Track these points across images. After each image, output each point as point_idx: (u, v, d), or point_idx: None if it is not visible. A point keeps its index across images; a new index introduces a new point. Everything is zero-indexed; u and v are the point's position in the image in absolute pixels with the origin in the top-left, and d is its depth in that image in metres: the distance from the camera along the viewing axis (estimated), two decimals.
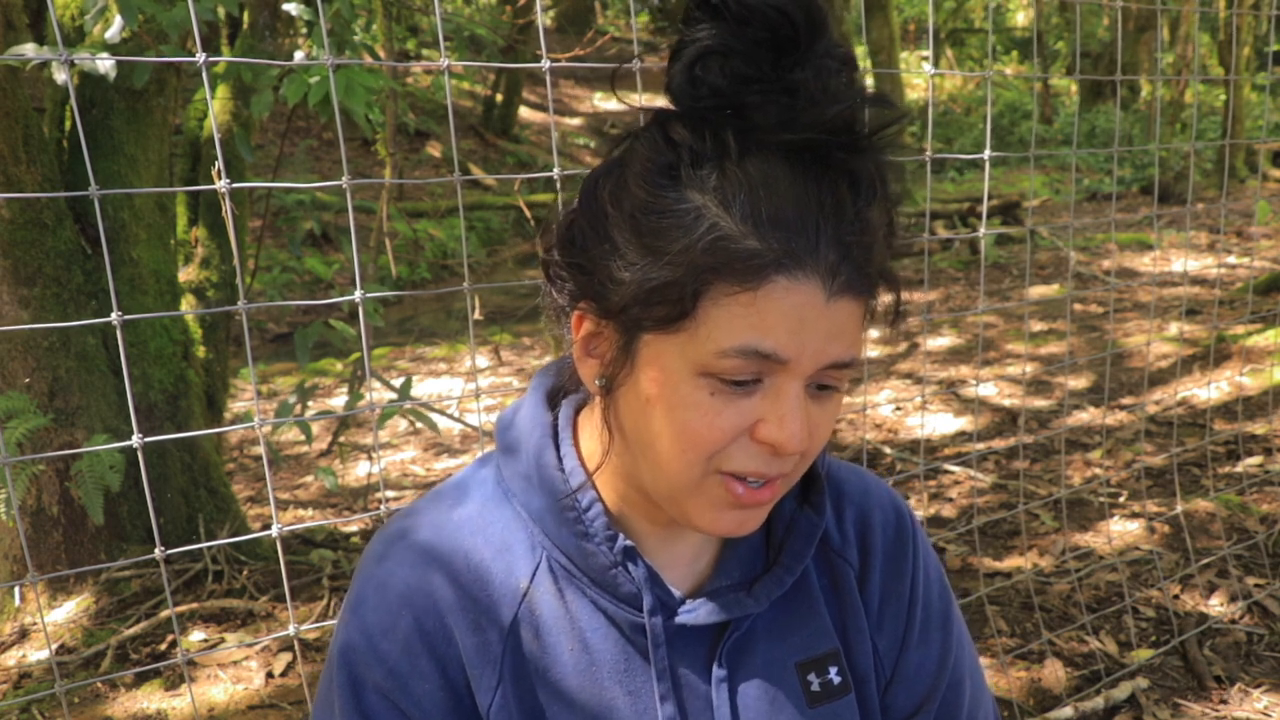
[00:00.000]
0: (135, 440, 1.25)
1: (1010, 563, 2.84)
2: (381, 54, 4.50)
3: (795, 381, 0.66)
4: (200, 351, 2.91)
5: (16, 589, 2.49)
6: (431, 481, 4.08)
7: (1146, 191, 11.38)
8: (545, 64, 1.39)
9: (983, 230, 1.95)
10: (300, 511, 3.76)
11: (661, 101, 0.68)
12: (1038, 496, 3.29)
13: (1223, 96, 13.40)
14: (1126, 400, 4.38)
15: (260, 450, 4.46)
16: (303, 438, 3.92)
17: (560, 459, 0.78)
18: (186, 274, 2.95)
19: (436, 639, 0.75)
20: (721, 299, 0.63)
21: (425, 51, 12.22)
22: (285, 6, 2.59)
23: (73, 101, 1.60)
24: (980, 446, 3.75)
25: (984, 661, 2.29)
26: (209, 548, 2.63)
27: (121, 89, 2.60)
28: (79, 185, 2.52)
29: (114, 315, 1.19)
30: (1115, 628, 2.46)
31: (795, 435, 0.66)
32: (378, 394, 4.27)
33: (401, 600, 0.76)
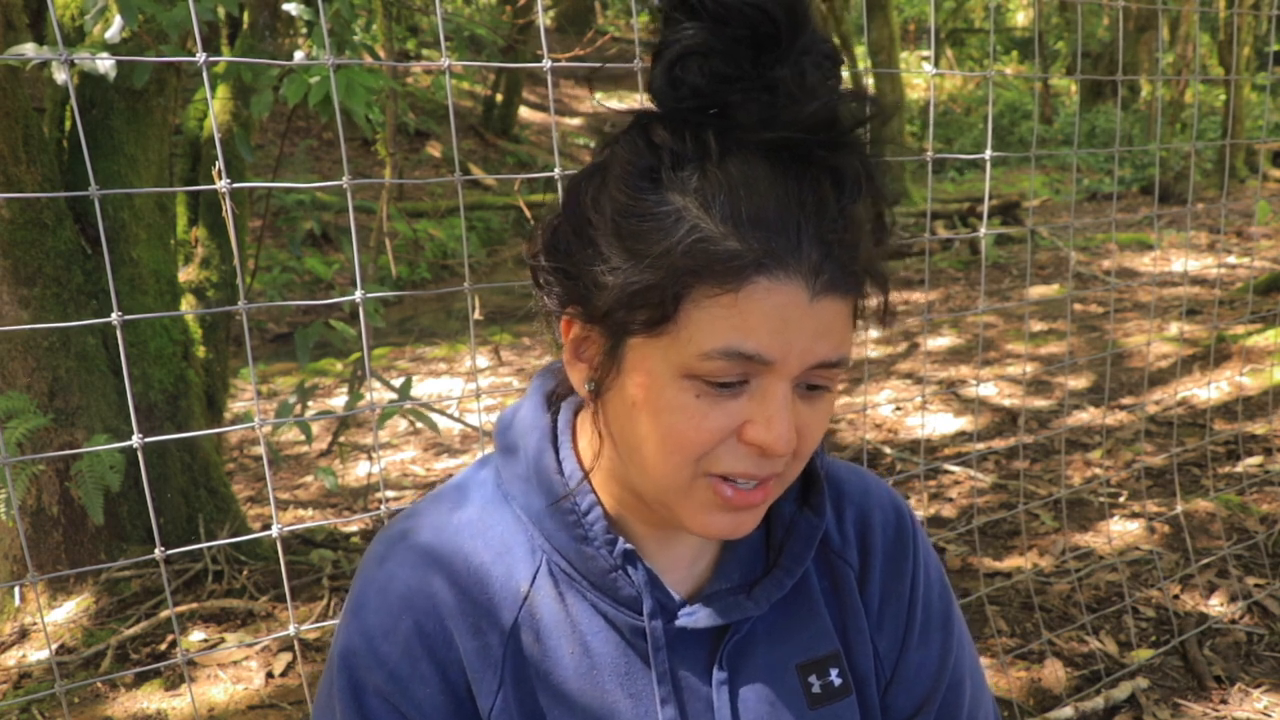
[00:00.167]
0: (135, 440, 1.25)
1: (1010, 563, 2.84)
2: (381, 54, 4.50)
3: (782, 382, 0.65)
4: (200, 351, 2.91)
5: (16, 589, 2.49)
6: (431, 482, 4.09)
7: (1147, 191, 11.38)
8: (546, 64, 1.39)
9: (983, 230, 1.95)
10: (300, 511, 3.76)
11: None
12: (1038, 496, 3.29)
13: (1223, 96, 13.40)
14: (1126, 400, 4.38)
15: (260, 450, 4.46)
16: (303, 438, 3.92)
17: (559, 461, 0.78)
18: (186, 274, 2.95)
19: (437, 642, 0.75)
20: (703, 301, 0.63)
21: (425, 51, 12.22)
22: (285, 6, 2.59)
23: (73, 101, 1.60)
24: (980, 446, 3.75)
25: (984, 661, 2.29)
26: (209, 548, 2.62)
27: (121, 89, 2.60)
28: (79, 185, 2.52)
29: (114, 315, 1.19)
30: (1115, 628, 2.46)
31: (782, 436, 0.65)
32: (378, 394, 4.27)
33: (402, 603, 0.76)
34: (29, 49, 1.98)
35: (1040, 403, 4.50)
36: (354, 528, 3.23)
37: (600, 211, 0.66)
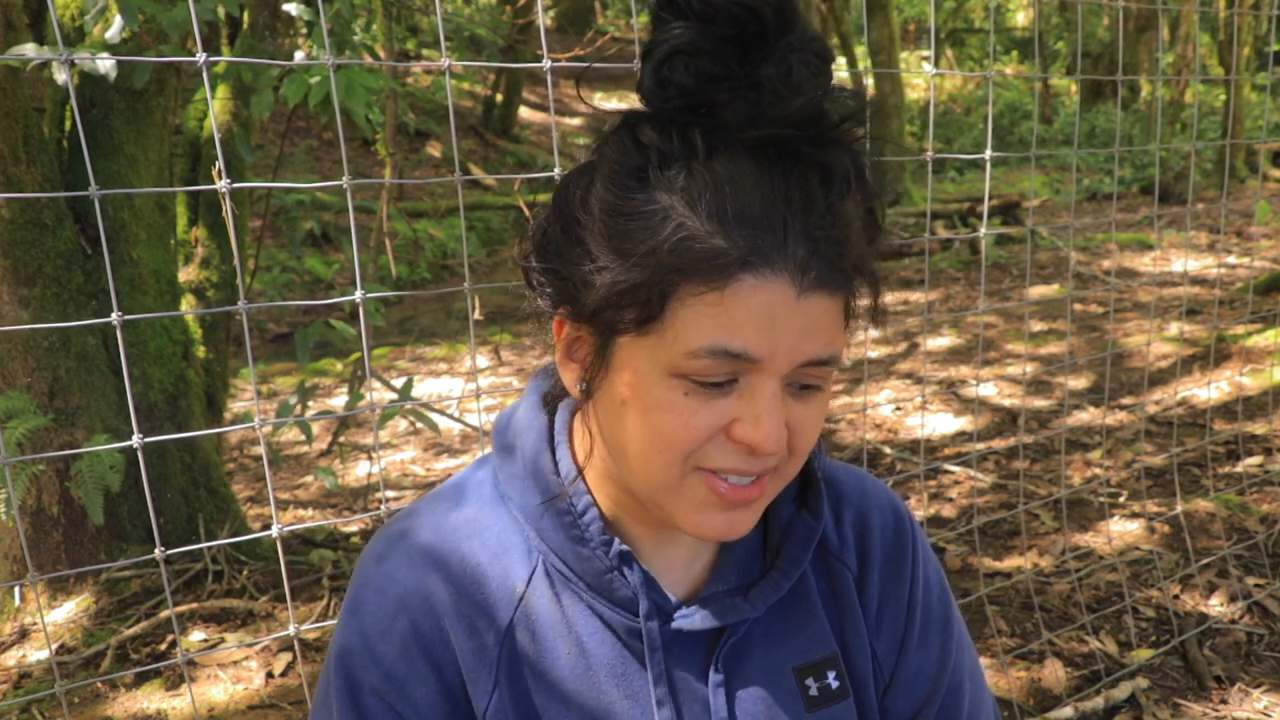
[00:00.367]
0: (135, 440, 1.25)
1: (1010, 563, 2.84)
2: (381, 54, 4.50)
3: (771, 380, 0.65)
4: (200, 351, 2.91)
5: (16, 589, 2.49)
6: (431, 481, 4.09)
7: (1146, 191, 11.37)
8: (545, 64, 1.39)
9: (983, 230, 1.95)
10: (300, 511, 3.76)
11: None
12: (1038, 496, 3.29)
13: (1223, 96, 13.40)
14: (1126, 400, 4.38)
15: (260, 450, 4.46)
16: (303, 438, 3.92)
17: (556, 462, 0.78)
18: (186, 274, 2.95)
19: (433, 642, 0.75)
20: (689, 299, 0.63)
21: (425, 51, 12.22)
22: (285, 6, 2.59)
23: (73, 101, 1.60)
24: (980, 446, 3.74)
25: (984, 662, 2.29)
26: (209, 548, 2.63)
27: (121, 89, 2.60)
28: (79, 185, 2.52)
29: (114, 315, 1.19)
30: (1115, 628, 2.46)
31: (770, 435, 0.65)
32: (378, 394, 4.27)
33: (399, 603, 0.76)
34: (29, 49, 1.98)
35: (1040, 403, 4.50)
36: (354, 528, 3.23)
37: (588, 211, 0.66)
